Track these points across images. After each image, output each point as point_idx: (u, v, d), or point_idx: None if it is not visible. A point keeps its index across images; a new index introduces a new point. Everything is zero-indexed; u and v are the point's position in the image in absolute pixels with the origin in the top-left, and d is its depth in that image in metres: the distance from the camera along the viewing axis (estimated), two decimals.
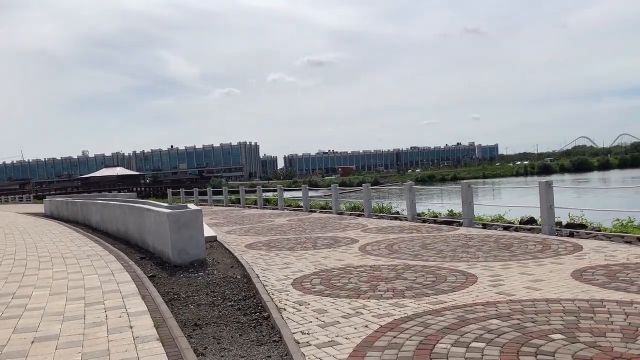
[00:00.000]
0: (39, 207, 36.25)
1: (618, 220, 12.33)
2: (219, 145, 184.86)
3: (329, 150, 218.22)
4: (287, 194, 33.25)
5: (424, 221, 14.97)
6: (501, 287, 6.26)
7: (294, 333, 4.86)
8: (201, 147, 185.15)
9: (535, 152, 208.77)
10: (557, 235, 10.68)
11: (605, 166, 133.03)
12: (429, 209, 17.47)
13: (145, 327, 5.28)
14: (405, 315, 5.23)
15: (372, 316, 5.26)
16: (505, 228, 12.36)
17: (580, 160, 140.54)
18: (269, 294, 6.50)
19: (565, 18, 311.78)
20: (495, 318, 4.95)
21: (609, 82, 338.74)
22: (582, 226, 11.76)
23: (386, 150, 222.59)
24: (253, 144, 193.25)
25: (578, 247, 8.83)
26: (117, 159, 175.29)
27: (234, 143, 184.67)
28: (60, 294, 7.19)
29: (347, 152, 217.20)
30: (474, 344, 4.26)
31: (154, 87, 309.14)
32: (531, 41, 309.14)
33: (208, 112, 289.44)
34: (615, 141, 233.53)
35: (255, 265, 8.72)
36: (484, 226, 12.96)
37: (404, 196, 16.87)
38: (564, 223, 11.99)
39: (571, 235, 10.68)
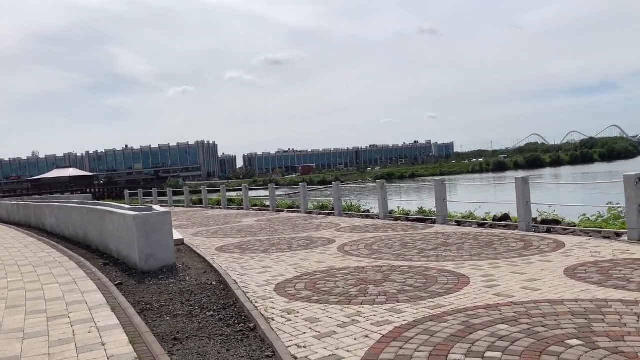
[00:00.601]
0: None
1: (584, 215, 12.40)
2: (175, 144, 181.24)
3: (289, 149, 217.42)
4: (251, 194, 32.76)
5: (396, 219, 14.73)
6: (497, 288, 5.99)
7: (288, 347, 4.43)
8: (157, 146, 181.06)
9: (490, 149, 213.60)
10: (534, 231, 10.57)
11: (557, 162, 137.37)
12: (398, 207, 17.28)
13: (119, 344, 4.74)
14: (406, 322, 4.87)
15: (371, 324, 4.87)
16: (480, 225, 12.21)
17: (533, 157, 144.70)
18: (251, 302, 6.03)
19: (517, 18, 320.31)
20: (502, 323, 4.65)
21: (559, 81, 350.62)
22: (557, 222, 11.72)
23: (346, 148, 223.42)
24: (211, 143, 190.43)
25: (560, 244, 8.70)
26: (70, 160, 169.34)
27: (192, 142, 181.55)
28: (17, 307, 6.52)
29: (307, 151, 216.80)
30: (489, 354, 3.93)
31: (107, 85, 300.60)
32: (484, 41, 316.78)
33: (163, 110, 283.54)
34: (565, 138, 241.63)
35: (231, 269, 8.21)
36: (458, 223, 12.79)
37: (366, 195, 16.65)
38: (538, 219, 11.94)
39: (548, 231, 10.59)
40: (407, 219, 14.42)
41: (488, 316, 4.88)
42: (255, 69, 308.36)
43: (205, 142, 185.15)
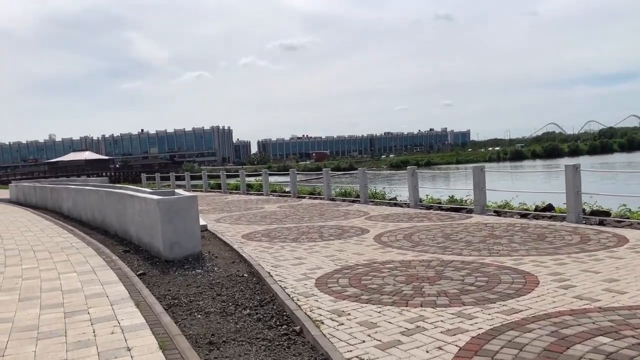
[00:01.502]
0: (4, 193, 34.14)
1: (624, 205, 11.55)
2: (191, 129, 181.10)
3: (303, 135, 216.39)
4: (272, 179, 32.09)
5: (428, 208, 13.96)
6: (574, 289, 5.23)
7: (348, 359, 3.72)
8: (172, 131, 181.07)
9: (506, 138, 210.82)
10: (585, 223, 9.77)
11: (575, 152, 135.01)
12: (427, 195, 16.52)
13: (148, 349, 4.08)
14: (482, 330, 4.14)
15: (440, 332, 4.15)
16: (523, 216, 11.41)
17: (552, 147, 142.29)
18: (293, 299, 5.34)
19: (535, 5, 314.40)
20: (602, 335, 3.90)
21: (577, 70, 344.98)
22: (607, 214, 10.89)
23: (360, 135, 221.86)
24: (226, 128, 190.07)
25: (622, 238, 7.89)
26: (86, 143, 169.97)
27: (207, 127, 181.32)
28: (32, 299, 5.89)
29: (321, 137, 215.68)
30: None
31: (123, 70, 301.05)
32: (501, 28, 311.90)
33: (179, 95, 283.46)
34: (583, 128, 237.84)
35: (262, 260, 7.53)
36: (497, 213, 11.99)
37: (380, 181, 15.85)
38: (587, 210, 11.09)
39: (601, 223, 9.77)
40: (440, 208, 13.64)
41: (579, 325, 4.14)
42: (270, 55, 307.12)
43: (220, 128, 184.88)
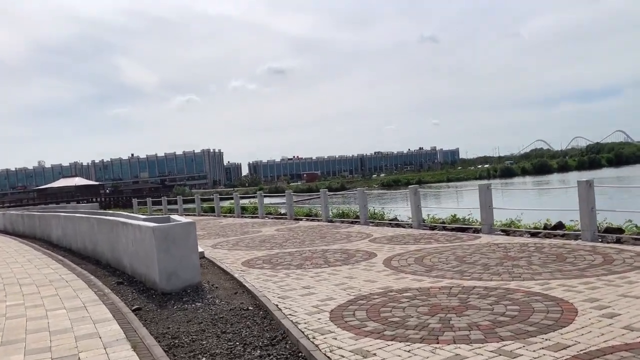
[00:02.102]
0: None
1: (630, 222, 11.15)
2: (181, 153, 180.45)
3: (294, 156, 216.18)
4: (267, 200, 31.62)
5: (432, 228, 13.49)
6: (619, 318, 4.74)
7: None
8: (163, 155, 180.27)
9: (495, 155, 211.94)
10: (601, 241, 9.33)
11: (564, 168, 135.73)
12: (428, 215, 16.06)
13: None
14: None
15: None
16: (533, 235, 10.97)
17: (541, 163, 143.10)
18: (308, 338, 4.80)
19: (517, 27, 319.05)
20: None
21: (562, 88, 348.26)
22: (621, 230, 10.46)
23: (350, 155, 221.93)
24: (217, 151, 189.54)
25: None
26: (75, 169, 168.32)
27: (197, 150, 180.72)
28: (16, 342, 5.31)
29: (311, 158, 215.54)
30: None
31: (112, 95, 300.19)
32: (486, 50, 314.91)
33: (169, 119, 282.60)
34: (570, 144, 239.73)
35: (267, 290, 6.99)
36: (506, 233, 11.54)
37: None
38: (600, 228, 10.65)
39: (618, 241, 9.34)
40: (445, 228, 13.18)
41: None
42: (259, 78, 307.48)
43: (211, 151, 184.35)
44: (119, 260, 9.76)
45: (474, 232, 12.18)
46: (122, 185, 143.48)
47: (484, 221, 11.74)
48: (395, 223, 15.10)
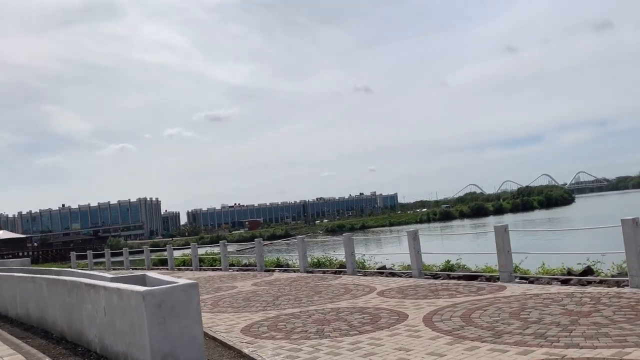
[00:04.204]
0: None
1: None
2: (116, 202, 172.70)
3: (235, 204, 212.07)
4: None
5: (435, 277, 12.05)
6: None
7: None
8: (96, 205, 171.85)
9: (432, 199, 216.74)
10: None
11: (499, 211, 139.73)
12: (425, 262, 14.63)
13: None
14: None
15: None
16: (564, 282, 9.74)
17: (477, 206, 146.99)
18: None
19: (444, 77, 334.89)
20: None
21: (488, 135, 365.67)
22: None
23: (292, 202, 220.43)
24: (154, 200, 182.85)
25: None
26: (0, 222, 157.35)
27: (133, 200, 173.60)
28: None
29: (253, 205, 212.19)
30: None
31: (41, 144, 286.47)
32: (416, 98, 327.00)
33: (102, 168, 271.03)
34: (500, 187, 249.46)
35: None
36: (529, 281, 10.26)
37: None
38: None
39: None
40: (449, 277, 11.78)
41: None
42: (196, 126, 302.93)
43: (148, 199, 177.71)
44: (81, 333, 7.64)
45: (487, 280, 10.85)
46: (52, 238, 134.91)
47: (503, 268, 10.42)
48: (390, 272, 13.54)
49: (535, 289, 9.15)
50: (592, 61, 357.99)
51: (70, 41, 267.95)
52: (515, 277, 10.45)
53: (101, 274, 8.84)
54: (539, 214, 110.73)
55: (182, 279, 6.24)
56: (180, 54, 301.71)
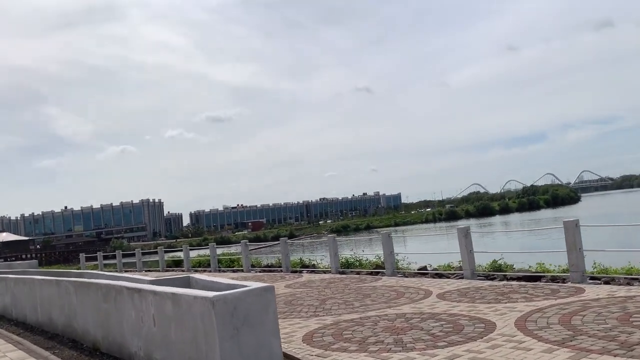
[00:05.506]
0: None
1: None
2: (118, 204, 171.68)
3: (238, 205, 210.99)
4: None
5: (488, 277, 11.10)
6: None
7: None
8: (99, 207, 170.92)
9: (436, 199, 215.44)
10: None
11: (505, 210, 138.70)
12: (460, 261, 13.69)
13: None
14: None
15: None
16: (629, 282, 8.79)
17: (483, 205, 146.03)
18: None
19: (444, 77, 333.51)
20: None
21: (491, 134, 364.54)
22: None
23: (295, 202, 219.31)
24: (157, 201, 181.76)
25: None
26: (2, 224, 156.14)
27: (136, 201, 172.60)
28: None
29: (256, 206, 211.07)
30: None
31: (43, 146, 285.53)
32: (417, 98, 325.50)
33: (104, 170, 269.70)
34: (504, 187, 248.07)
35: None
36: (603, 281, 9.30)
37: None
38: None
39: None
40: (506, 277, 10.83)
41: None
42: (197, 127, 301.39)
43: (151, 201, 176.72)
44: (121, 345, 6.69)
45: (551, 280, 9.92)
46: (54, 240, 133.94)
47: (574, 267, 9.45)
48: (435, 273, 12.58)
49: (620, 290, 8.19)
50: (594, 60, 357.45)
51: (71, 43, 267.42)
52: (587, 277, 9.51)
53: (136, 276, 7.90)
54: (547, 213, 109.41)
55: (256, 283, 5.27)
56: (181, 55, 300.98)
